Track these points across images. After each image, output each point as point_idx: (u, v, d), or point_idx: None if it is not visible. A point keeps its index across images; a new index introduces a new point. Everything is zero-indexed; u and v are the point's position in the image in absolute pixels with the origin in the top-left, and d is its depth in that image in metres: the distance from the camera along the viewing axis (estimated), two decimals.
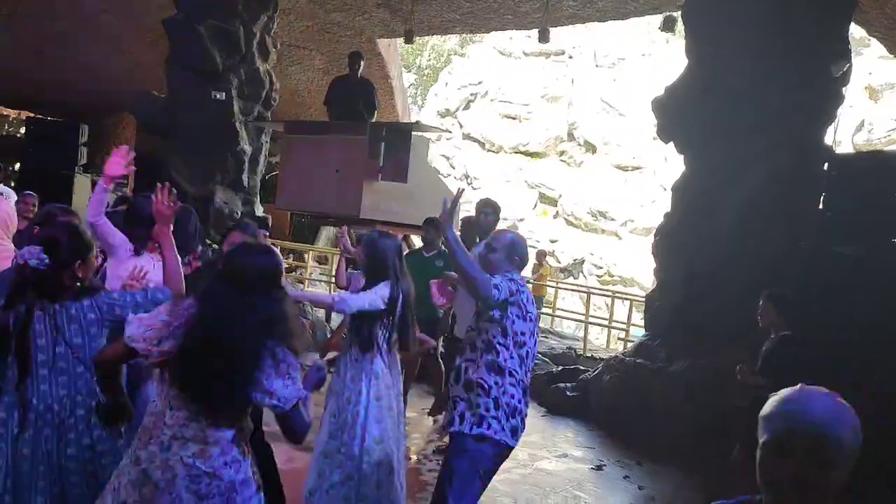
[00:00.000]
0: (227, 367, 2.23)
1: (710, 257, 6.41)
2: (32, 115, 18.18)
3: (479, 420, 3.24)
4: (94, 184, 12.08)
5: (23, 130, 21.31)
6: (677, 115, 6.91)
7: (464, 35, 27.69)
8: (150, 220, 3.68)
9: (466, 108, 29.74)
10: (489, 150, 28.57)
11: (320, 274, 14.61)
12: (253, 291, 2.35)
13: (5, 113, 23.07)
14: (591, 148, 27.65)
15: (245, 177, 9.61)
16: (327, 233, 15.27)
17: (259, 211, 9.80)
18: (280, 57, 10.40)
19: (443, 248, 6.68)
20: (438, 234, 6.66)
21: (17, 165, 19.32)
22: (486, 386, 3.24)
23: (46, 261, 2.63)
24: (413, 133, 7.49)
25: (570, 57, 29.36)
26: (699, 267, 6.51)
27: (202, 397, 2.27)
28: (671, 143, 7.26)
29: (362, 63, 8.58)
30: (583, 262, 24.24)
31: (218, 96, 9.05)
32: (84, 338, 2.69)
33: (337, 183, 7.31)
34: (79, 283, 2.76)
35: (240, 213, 9.63)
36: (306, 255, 13.90)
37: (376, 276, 3.91)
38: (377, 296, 3.82)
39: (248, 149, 9.55)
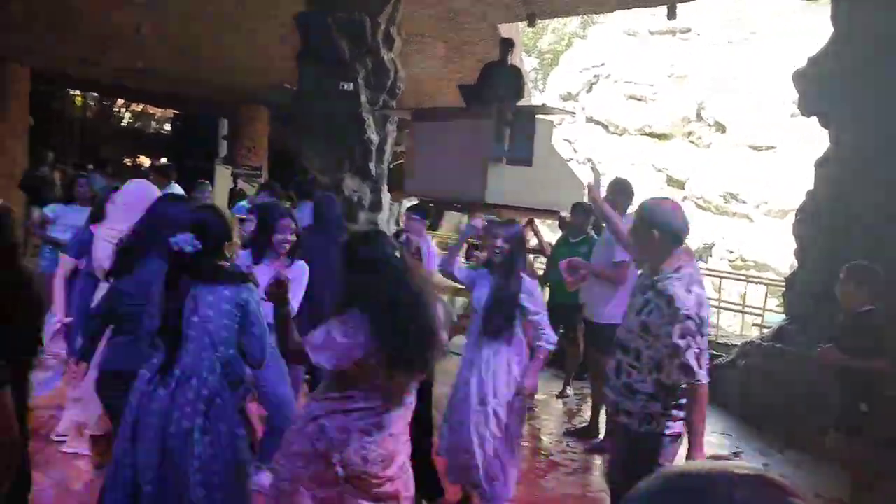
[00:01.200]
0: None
1: (857, 237, 6.01)
2: (176, 112, 19.42)
3: (658, 419, 3.12)
4: (234, 176, 12.77)
5: (168, 127, 22.83)
6: (821, 87, 6.50)
7: (585, 17, 27.15)
8: (272, 228, 3.96)
9: (589, 90, 29.17)
10: (613, 133, 27.93)
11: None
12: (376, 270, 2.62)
13: (151, 111, 24.73)
14: (720, 127, 26.48)
15: (372, 165, 9.85)
16: (449, 218, 15.44)
17: (386, 198, 10.04)
18: (403, 46, 10.56)
19: (591, 232, 6.65)
20: (587, 218, 6.61)
21: (164, 159, 20.71)
22: (655, 395, 3.12)
23: (199, 245, 2.85)
24: (538, 116, 7.43)
25: (698, 34, 28.17)
26: (845, 248, 6.12)
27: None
28: (812, 119, 6.85)
29: (513, 50, 8.52)
30: (713, 246, 23.35)
31: (346, 87, 9.32)
32: (215, 316, 2.90)
33: (462, 168, 7.38)
34: (226, 262, 2.99)
35: (368, 201, 9.93)
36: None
37: (512, 261, 4.10)
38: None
39: (374, 137, 9.79)
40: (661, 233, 3.12)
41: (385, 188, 10.13)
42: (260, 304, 2.97)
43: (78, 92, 21.32)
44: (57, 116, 20.77)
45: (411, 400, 2.74)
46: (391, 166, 10.56)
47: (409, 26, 11.76)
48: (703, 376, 2.97)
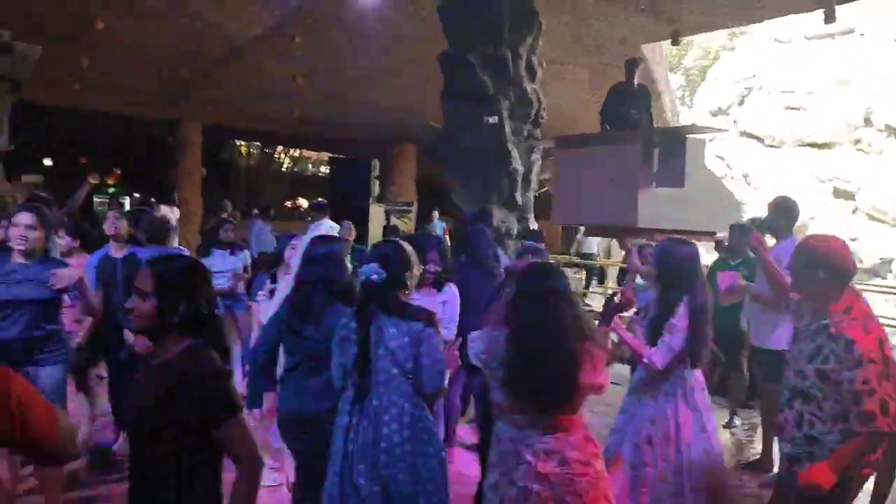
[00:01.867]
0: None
1: None
2: (331, 155, 20.46)
3: None
4: (387, 213, 13.28)
5: (324, 169, 24.11)
6: None
7: (732, 29, 26.08)
8: (423, 258, 4.05)
9: (741, 103, 27.90)
10: (769, 146, 26.49)
11: (597, 286, 14.59)
12: (549, 304, 2.65)
13: (307, 155, 26.21)
14: (892, 132, 24.47)
15: (518, 195, 9.92)
16: (598, 244, 15.20)
17: (533, 226, 10.06)
18: (545, 75, 10.62)
19: (750, 254, 6.36)
20: (745, 239, 6.29)
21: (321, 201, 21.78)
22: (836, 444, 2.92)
23: (384, 274, 3.03)
24: (687, 136, 7.21)
25: (862, 34, 26.29)
26: None
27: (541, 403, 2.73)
28: None
29: (638, 70, 8.44)
30: (891, 261, 21.47)
31: (491, 120, 9.48)
32: (398, 347, 3.02)
33: (611, 194, 7.26)
34: (407, 292, 3.17)
35: (515, 231, 9.99)
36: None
37: (670, 287, 3.77)
38: (677, 337, 3.67)
39: (520, 168, 9.87)
40: (828, 275, 2.92)
41: (532, 217, 10.16)
42: (439, 341, 3.08)
43: (242, 142, 22.98)
44: (224, 166, 22.48)
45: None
46: (537, 195, 10.59)
47: (550, 54, 11.81)
48: (888, 424, 2.72)
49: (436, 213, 14.94)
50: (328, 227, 8.36)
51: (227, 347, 2.31)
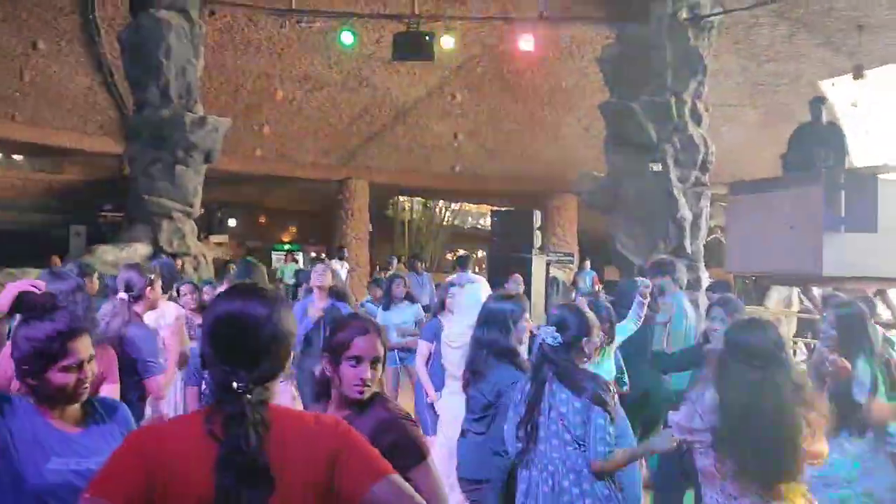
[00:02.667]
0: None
1: None
2: (491, 207, 20.73)
3: None
4: (548, 264, 13.21)
5: (484, 221, 24.45)
6: None
7: None
8: None
9: None
10: None
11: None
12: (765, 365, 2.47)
13: (468, 208, 26.71)
14: None
15: (687, 243, 9.55)
16: (778, 294, 14.23)
17: (704, 276, 9.61)
18: (711, 118, 10.26)
19: None
20: None
21: (480, 252, 22.10)
22: None
23: (559, 338, 2.96)
24: (879, 176, 6.66)
25: None
26: None
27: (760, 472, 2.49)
28: None
29: (824, 108, 7.93)
30: None
31: (655, 168, 9.25)
32: (569, 412, 2.92)
33: (792, 240, 6.80)
34: (585, 359, 3.04)
35: (685, 280, 9.57)
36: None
37: (847, 349, 3.39)
38: None
39: (688, 215, 9.52)
40: None
41: (702, 266, 9.72)
42: (607, 417, 2.96)
43: (406, 197, 23.84)
44: (389, 221, 23.38)
45: None
46: (707, 241, 10.16)
47: (717, 97, 11.42)
48: None
49: (587, 263, 14.63)
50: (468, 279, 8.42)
51: None
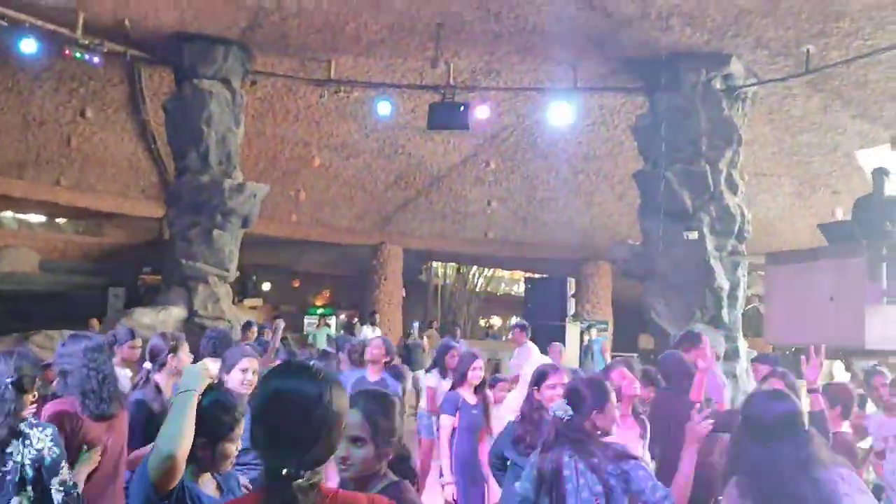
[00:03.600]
0: None
1: None
2: (524, 273, 20.71)
3: None
4: (581, 333, 13.07)
5: (517, 288, 24.39)
6: None
7: None
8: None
9: None
10: None
11: None
12: (780, 439, 2.36)
13: (500, 274, 26.69)
14: None
15: (725, 312, 9.38)
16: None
17: (743, 346, 9.41)
18: (747, 187, 10.20)
19: None
20: None
21: (514, 319, 21.94)
22: None
23: (570, 411, 2.88)
24: None
25: None
26: None
27: None
28: None
29: (887, 178, 7.78)
30: None
31: (690, 236, 9.18)
32: (585, 484, 2.82)
33: (833, 312, 6.67)
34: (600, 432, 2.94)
35: (723, 351, 9.37)
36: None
37: None
38: None
39: (724, 284, 9.38)
40: None
41: (740, 336, 9.52)
42: (641, 465, 2.86)
43: (439, 263, 23.92)
44: (423, 287, 23.42)
45: None
46: (746, 311, 9.97)
47: (752, 166, 11.39)
48: None
49: (594, 331, 14.31)
50: (532, 349, 8.30)
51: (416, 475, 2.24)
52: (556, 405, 2.96)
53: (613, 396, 3.02)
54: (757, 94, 9.93)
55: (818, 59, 8.84)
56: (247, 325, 9.15)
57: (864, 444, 4.50)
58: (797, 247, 11.73)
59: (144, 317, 9.38)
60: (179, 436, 1.92)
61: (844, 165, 12.11)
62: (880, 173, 7.68)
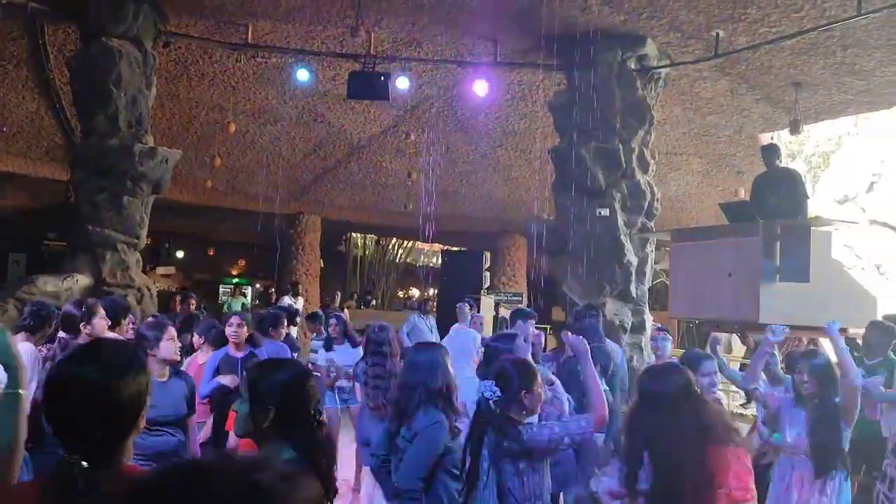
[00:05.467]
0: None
1: None
2: (443, 246, 20.85)
3: None
4: (496, 304, 13.30)
5: (437, 259, 24.53)
6: None
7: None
8: None
9: (869, 190, 26.56)
10: None
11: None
12: (677, 409, 2.52)
13: (420, 246, 26.79)
14: None
15: (633, 287, 9.73)
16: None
17: (648, 320, 9.79)
18: (658, 166, 10.55)
19: (891, 355, 5.96)
20: (886, 339, 5.92)
21: (432, 291, 22.13)
22: None
23: (499, 393, 2.95)
24: (812, 228, 6.90)
25: None
26: None
27: None
28: None
29: (777, 156, 7.97)
30: None
31: (602, 213, 9.44)
32: (506, 468, 2.92)
33: (731, 287, 6.99)
34: (525, 412, 3.03)
35: (629, 324, 9.75)
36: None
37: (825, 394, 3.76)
38: None
39: (633, 260, 9.71)
40: None
41: (647, 309, 9.90)
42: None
43: (358, 234, 23.81)
44: (341, 258, 23.27)
45: None
46: (652, 285, 10.36)
47: (663, 145, 11.76)
48: None
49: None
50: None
51: (330, 462, 2.23)
52: (484, 385, 3.00)
53: (540, 376, 3.12)
54: (669, 76, 10.24)
55: (727, 43, 9.16)
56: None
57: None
58: (704, 224, 12.24)
59: (48, 284, 9.01)
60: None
61: (748, 147, 12.65)
62: (769, 150, 7.94)
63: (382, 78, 9.86)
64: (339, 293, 13.56)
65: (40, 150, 13.67)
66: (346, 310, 13.46)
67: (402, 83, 10.23)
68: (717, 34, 9.02)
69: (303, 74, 10.23)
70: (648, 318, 9.80)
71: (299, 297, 13.49)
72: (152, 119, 10.29)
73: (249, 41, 10.29)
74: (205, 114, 13.05)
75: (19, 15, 9.61)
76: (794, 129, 10.37)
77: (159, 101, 10.63)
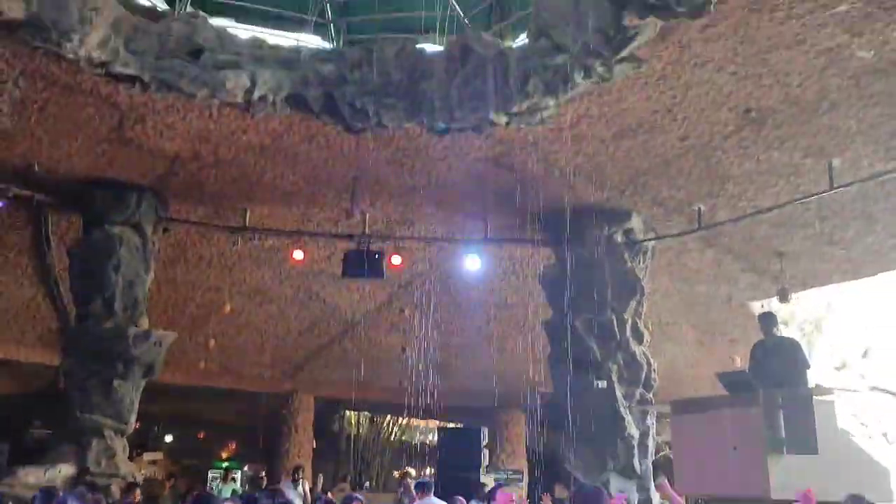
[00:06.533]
0: None
1: None
2: (439, 423, 20.36)
3: None
4: (495, 484, 12.77)
5: (432, 437, 23.89)
6: None
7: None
8: None
9: (865, 355, 26.48)
10: None
11: None
12: None
13: (415, 423, 26.16)
14: None
15: (636, 461, 9.43)
16: None
17: (656, 498, 9.39)
18: (652, 336, 10.57)
19: None
20: None
21: (429, 470, 21.34)
22: None
23: None
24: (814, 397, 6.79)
25: None
26: None
27: None
28: None
29: (775, 324, 7.89)
30: None
31: (600, 385, 9.34)
32: None
33: (736, 462, 6.76)
34: None
35: (636, 501, 9.34)
36: None
37: None
38: None
39: (635, 433, 9.49)
40: None
41: (652, 485, 9.52)
42: None
43: (352, 412, 23.30)
44: (335, 436, 22.64)
45: None
46: (657, 458, 10.05)
47: (655, 315, 11.84)
48: None
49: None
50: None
51: None
52: None
53: None
54: (656, 248, 10.51)
55: (708, 216, 9.50)
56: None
57: None
58: (701, 392, 12.05)
59: (29, 476, 8.69)
60: None
61: (739, 315, 12.73)
62: (767, 318, 7.92)
63: (377, 256, 10.09)
64: (321, 476, 12.99)
65: (33, 335, 13.64)
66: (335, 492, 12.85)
67: (395, 260, 10.46)
68: (699, 208, 9.36)
69: (298, 254, 10.56)
70: (655, 496, 9.40)
71: (302, 481, 12.81)
72: (148, 301, 10.38)
73: (247, 224, 10.61)
74: (201, 294, 13.18)
75: (24, 206, 9.95)
76: (783, 297, 10.48)
77: (156, 283, 10.79)
